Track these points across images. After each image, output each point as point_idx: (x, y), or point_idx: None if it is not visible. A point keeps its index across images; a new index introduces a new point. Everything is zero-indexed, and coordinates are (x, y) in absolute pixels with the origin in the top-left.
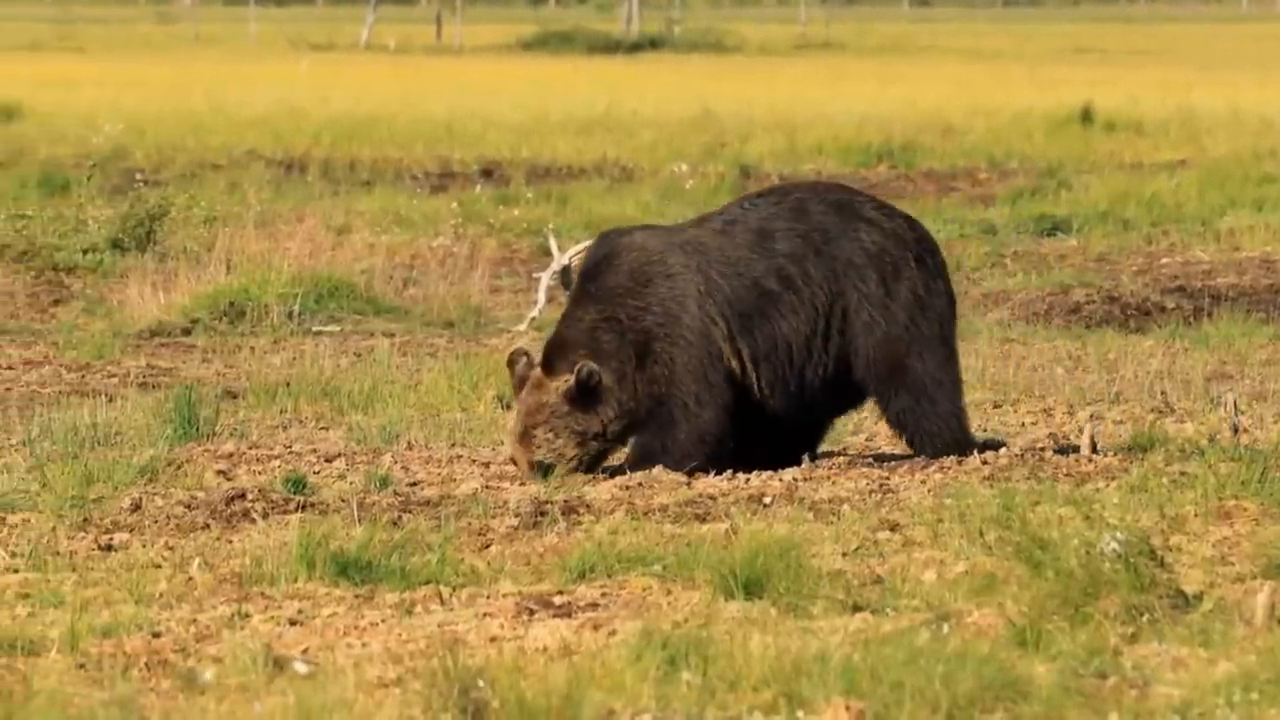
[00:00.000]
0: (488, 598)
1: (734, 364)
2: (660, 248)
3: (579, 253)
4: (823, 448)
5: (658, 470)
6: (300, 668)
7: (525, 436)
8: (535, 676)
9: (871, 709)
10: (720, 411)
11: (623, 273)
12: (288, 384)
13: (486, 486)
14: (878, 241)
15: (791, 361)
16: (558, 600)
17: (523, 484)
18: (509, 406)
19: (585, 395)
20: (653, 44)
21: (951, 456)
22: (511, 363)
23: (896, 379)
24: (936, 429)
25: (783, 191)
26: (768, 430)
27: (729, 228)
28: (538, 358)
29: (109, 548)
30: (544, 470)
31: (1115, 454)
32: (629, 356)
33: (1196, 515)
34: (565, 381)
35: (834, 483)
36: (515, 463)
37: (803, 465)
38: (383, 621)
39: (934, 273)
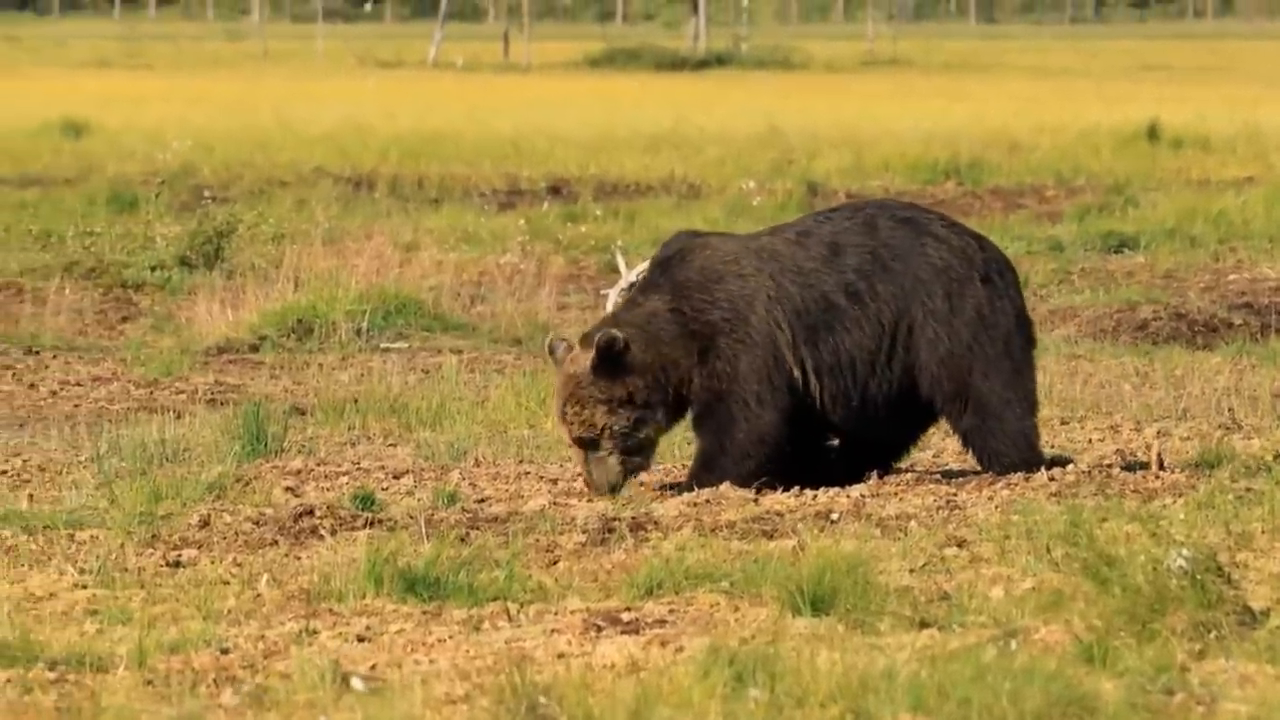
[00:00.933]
0: (555, 614)
1: (796, 373)
2: (734, 250)
3: (645, 270)
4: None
5: (725, 487)
6: (359, 684)
7: (560, 414)
8: (603, 693)
9: None
10: (780, 415)
11: (694, 268)
12: (355, 401)
13: (554, 503)
14: (944, 258)
15: (855, 376)
16: (625, 617)
17: (590, 500)
18: None
19: (608, 362)
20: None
21: (1019, 473)
22: (551, 349)
23: (962, 397)
24: (1004, 448)
25: (855, 207)
26: (841, 445)
27: (802, 239)
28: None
29: (177, 564)
30: (590, 445)
31: (1182, 470)
32: (686, 348)
33: (1263, 532)
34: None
35: (901, 499)
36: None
37: (870, 481)
38: (450, 638)
39: (1001, 291)
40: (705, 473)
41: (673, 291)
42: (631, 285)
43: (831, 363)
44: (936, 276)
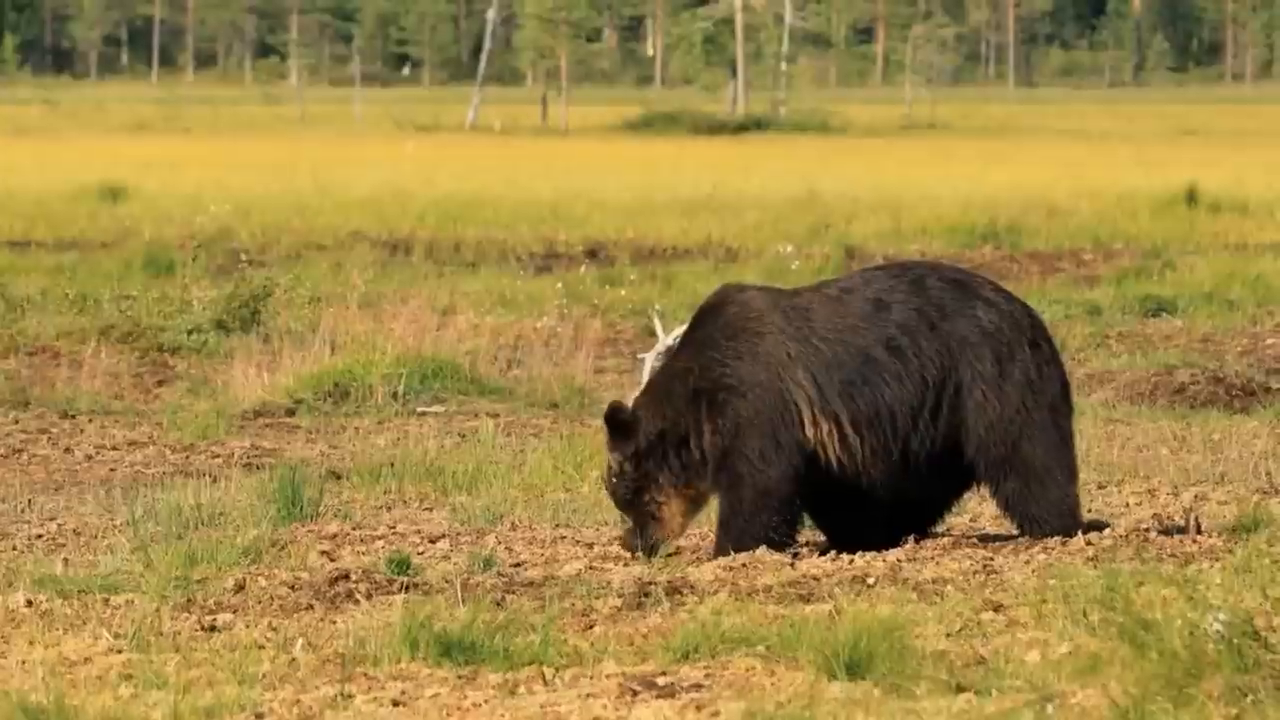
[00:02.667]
0: (591, 678)
1: (826, 428)
2: (762, 307)
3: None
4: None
5: (761, 551)
6: None
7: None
8: None
9: None
10: (787, 470)
11: (718, 326)
12: (392, 464)
13: (590, 567)
14: (994, 321)
15: (895, 431)
16: (661, 681)
17: (626, 563)
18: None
19: (616, 430)
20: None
21: (1056, 538)
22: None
23: (1008, 462)
24: (1045, 515)
25: (903, 265)
26: (873, 507)
27: (844, 295)
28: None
29: (212, 628)
30: (620, 508)
31: (1219, 535)
32: (693, 406)
33: None
34: None
35: (938, 563)
36: None
37: (906, 545)
38: (485, 702)
39: (1048, 358)
40: (722, 533)
41: (695, 349)
42: (669, 349)
43: (870, 415)
44: (985, 340)
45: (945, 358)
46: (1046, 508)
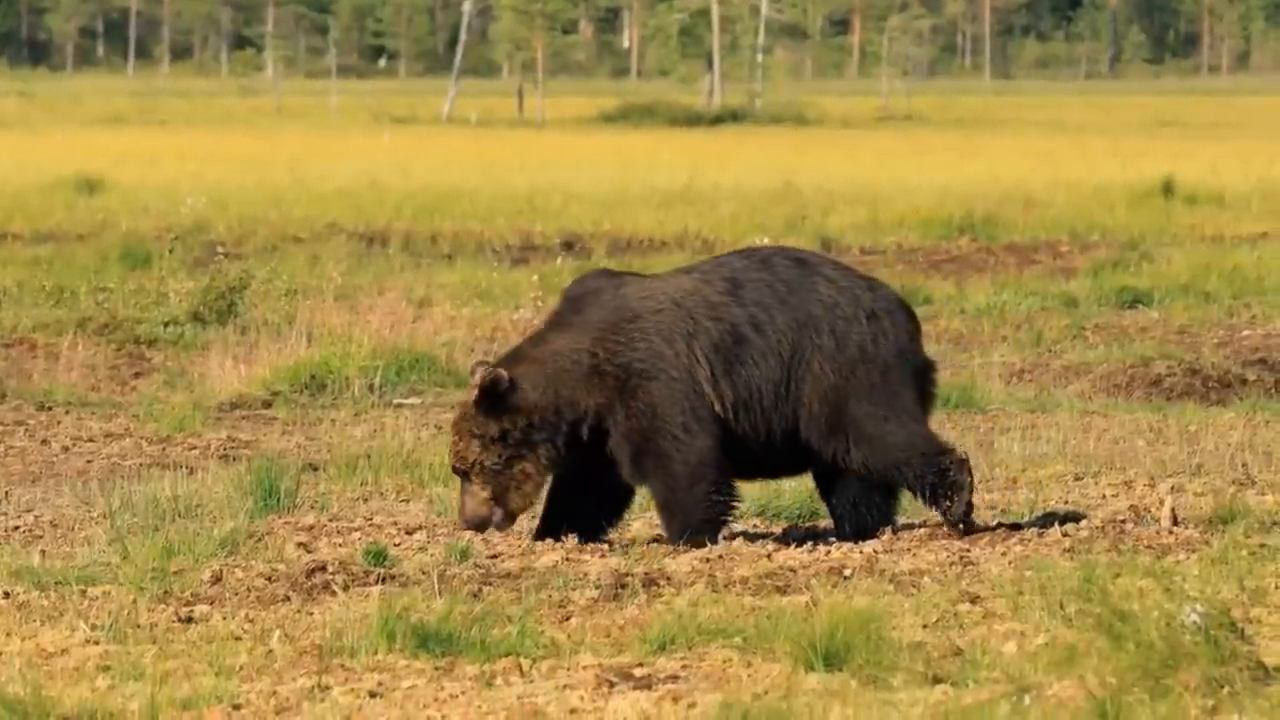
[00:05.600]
0: (568, 670)
1: (716, 408)
2: (651, 289)
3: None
4: (903, 519)
5: (738, 543)
6: None
7: (450, 440)
8: None
9: None
10: (712, 440)
11: (609, 308)
12: (368, 456)
13: (567, 559)
14: (833, 296)
15: (763, 411)
16: (638, 672)
17: (603, 555)
18: None
19: (490, 399)
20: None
21: (942, 476)
22: (473, 372)
23: (841, 429)
24: (902, 456)
25: (751, 250)
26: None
27: (707, 276)
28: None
29: (189, 620)
30: (463, 476)
31: (1196, 526)
32: (593, 389)
33: (1277, 587)
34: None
35: (914, 555)
36: None
37: (884, 536)
38: (463, 694)
39: (885, 330)
40: (667, 516)
41: (584, 331)
42: None
43: (745, 396)
44: (825, 314)
45: (794, 333)
46: (899, 451)
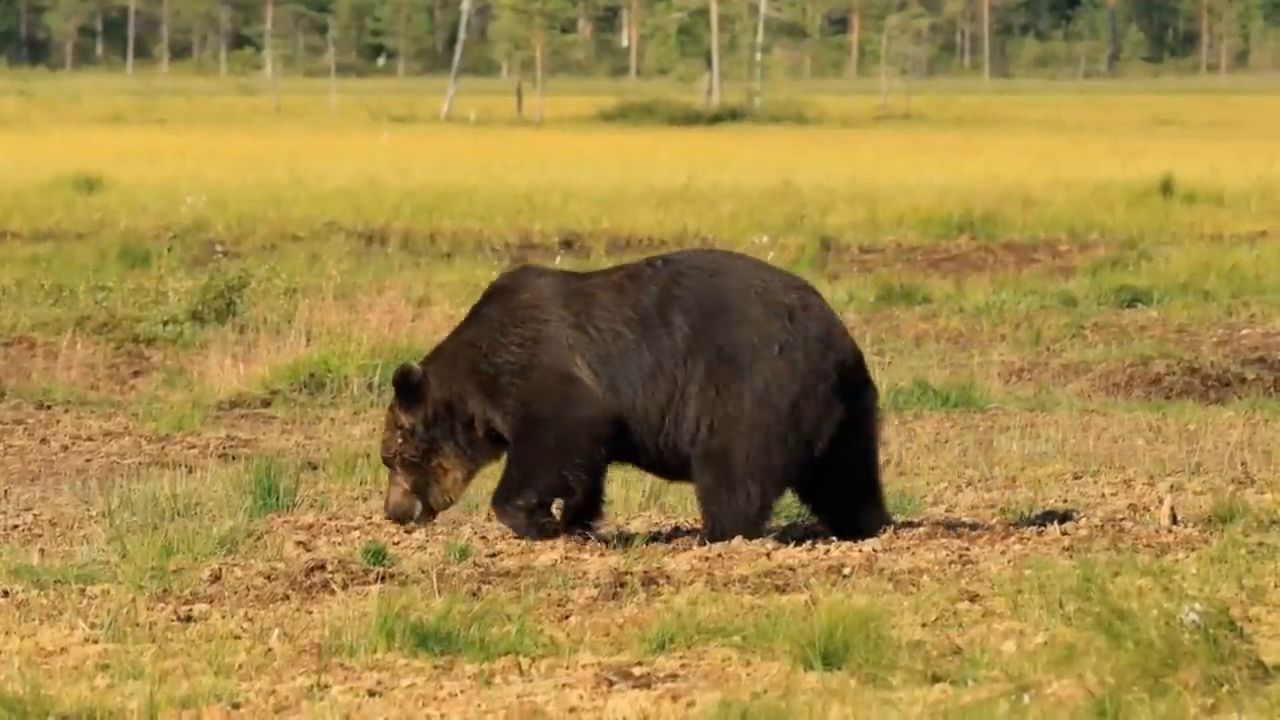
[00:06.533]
0: (567, 668)
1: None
2: (549, 294)
3: None
4: (900, 518)
5: (737, 541)
6: None
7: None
8: None
9: None
10: (583, 419)
11: (505, 307)
12: (367, 455)
13: (566, 557)
14: (746, 326)
15: (649, 424)
16: (637, 671)
17: (602, 554)
18: None
19: (404, 392)
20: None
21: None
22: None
23: (712, 457)
24: (727, 525)
25: (668, 259)
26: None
27: (622, 284)
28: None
29: (188, 619)
30: (389, 467)
31: (1195, 525)
32: (475, 385)
33: (1276, 586)
34: None
35: (914, 553)
36: None
37: (883, 535)
38: (462, 692)
39: (797, 368)
40: (502, 498)
41: (482, 326)
42: None
43: (629, 406)
44: (731, 342)
45: (695, 356)
46: (729, 519)
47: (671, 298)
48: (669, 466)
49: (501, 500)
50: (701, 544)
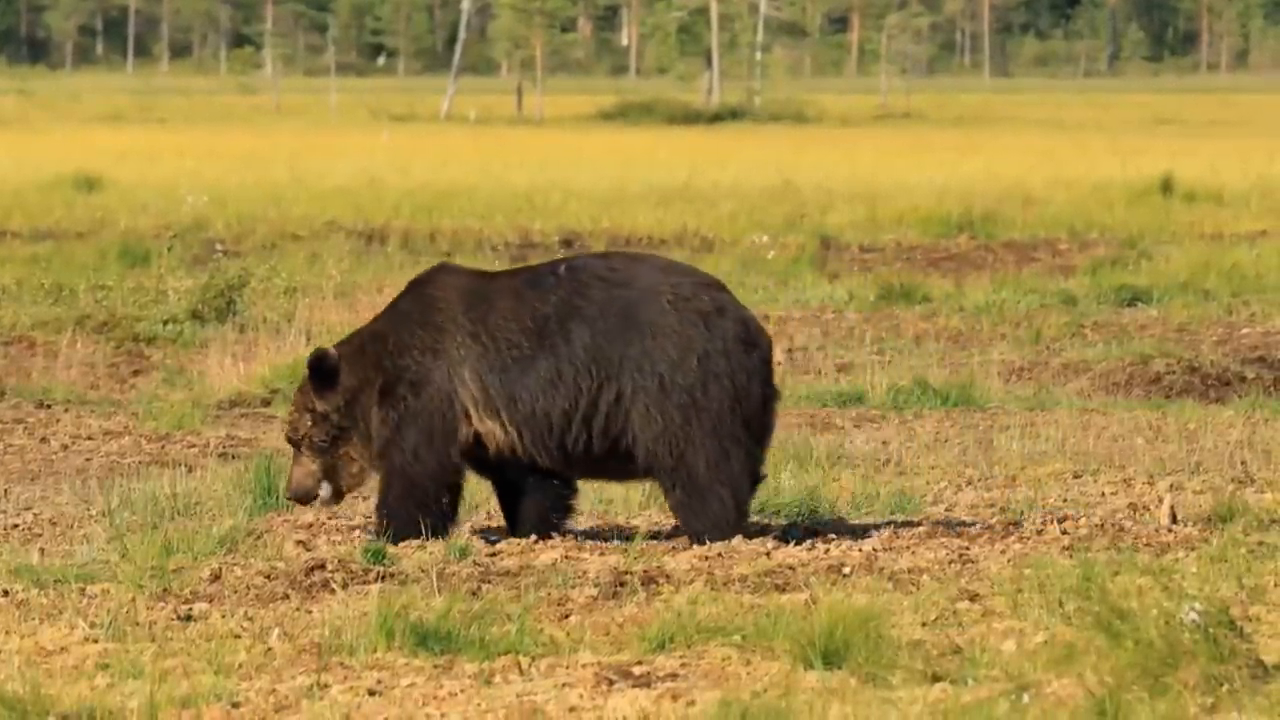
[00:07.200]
0: (567, 668)
1: (491, 424)
2: (455, 298)
3: None
4: (900, 517)
5: (737, 541)
6: None
7: (289, 410)
8: None
9: None
10: (436, 468)
11: (418, 305)
12: None
13: (566, 557)
14: (660, 334)
15: (552, 429)
16: (637, 670)
17: (602, 553)
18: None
19: (318, 375)
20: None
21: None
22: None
23: (674, 473)
24: (705, 529)
25: (581, 265)
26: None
27: (524, 292)
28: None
29: (188, 618)
30: (294, 446)
31: (1195, 524)
32: (373, 380)
33: (1276, 585)
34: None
35: (914, 553)
36: None
37: (883, 534)
38: (462, 692)
39: (720, 373)
40: (377, 515)
41: (394, 320)
42: None
43: (528, 414)
44: (647, 355)
45: (605, 366)
46: (707, 522)
47: (572, 308)
48: (573, 468)
49: (378, 534)
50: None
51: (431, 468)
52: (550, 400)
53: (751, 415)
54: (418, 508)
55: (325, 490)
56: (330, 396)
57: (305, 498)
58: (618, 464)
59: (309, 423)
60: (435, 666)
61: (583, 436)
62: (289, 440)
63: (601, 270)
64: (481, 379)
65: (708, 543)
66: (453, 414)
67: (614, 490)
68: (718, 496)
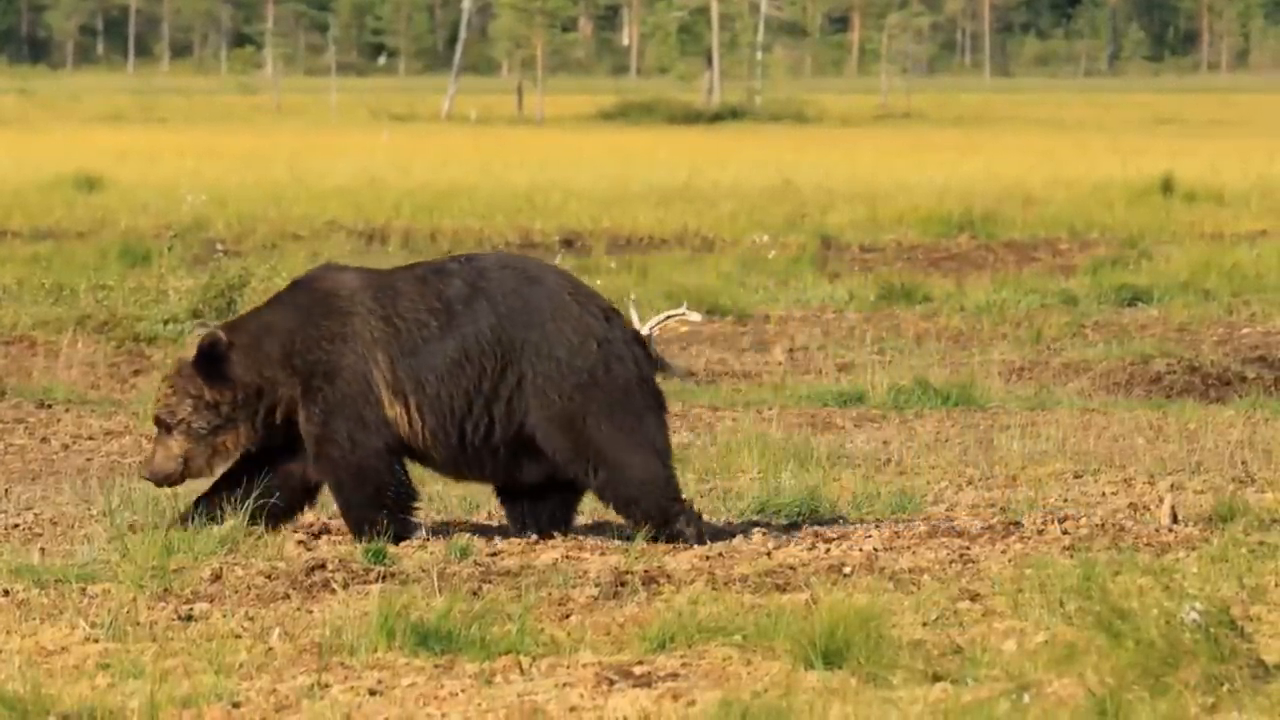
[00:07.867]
0: (567, 668)
1: (398, 411)
2: (355, 287)
3: (660, 323)
4: (900, 517)
5: (737, 540)
6: None
7: (158, 387)
8: None
9: None
10: (377, 446)
11: (316, 297)
12: None
13: (566, 556)
14: (557, 321)
15: (453, 416)
16: (637, 670)
17: (603, 553)
18: None
19: (207, 362)
20: (734, 114)
21: (664, 519)
22: (195, 333)
23: (584, 455)
24: (635, 493)
25: (481, 256)
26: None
27: (425, 279)
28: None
29: (189, 618)
30: (164, 429)
31: (1195, 524)
32: (287, 377)
33: (1277, 585)
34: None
35: (914, 552)
36: None
37: (882, 533)
38: (462, 691)
39: (620, 355)
40: (346, 518)
41: (294, 314)
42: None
43: (433, 396)
44: (546, 339)
45: (508, 349)
46: (634, 487)
47: (477, 290)
48: (470, 462)
49: (357, 535)
50: (651, 540)
51: (374, 446)
52: (455, 382)
53: (656, 392)
54: (376, 491)
55: (179, 473)
56: (222, 386)
57: (166, 480)
58: (522, 455)
59: (189, 408)
60: (436, 666)
61: (484, 422)
62: (158, 421)
63: (508, 261)
64: (393, 361)
65: (649, 511)
66: (373, 393)
67: None
68: (642, 461)
